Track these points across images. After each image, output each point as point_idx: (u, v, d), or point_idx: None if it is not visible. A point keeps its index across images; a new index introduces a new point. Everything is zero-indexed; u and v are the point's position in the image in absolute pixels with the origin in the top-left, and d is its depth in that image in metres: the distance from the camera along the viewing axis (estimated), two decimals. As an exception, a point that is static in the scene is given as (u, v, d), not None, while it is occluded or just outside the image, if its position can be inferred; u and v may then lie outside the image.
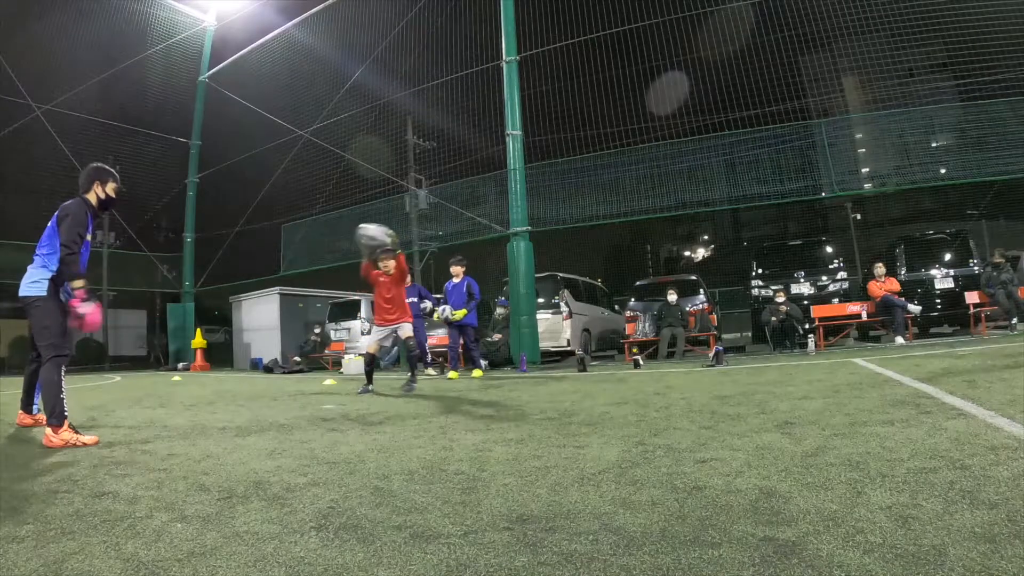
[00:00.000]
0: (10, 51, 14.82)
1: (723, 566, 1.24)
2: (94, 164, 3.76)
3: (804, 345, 8.79)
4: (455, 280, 8.37)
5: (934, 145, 10.62)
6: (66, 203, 3.56)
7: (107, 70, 15.90)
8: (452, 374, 7.91)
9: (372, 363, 6.30)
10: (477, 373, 8.10)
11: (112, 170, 3.81)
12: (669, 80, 11.63)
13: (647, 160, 10.99)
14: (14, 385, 9.40)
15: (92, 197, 3.63)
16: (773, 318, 9.57)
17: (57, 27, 15.80)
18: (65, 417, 3.24)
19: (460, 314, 8.05)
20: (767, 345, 9.85)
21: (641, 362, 8.07)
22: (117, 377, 12.53)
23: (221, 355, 18.01)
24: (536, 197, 11.14)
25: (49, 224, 3.55)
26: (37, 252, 3.49)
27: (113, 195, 3.73)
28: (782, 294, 9.74)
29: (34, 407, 3.93)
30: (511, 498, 1.84)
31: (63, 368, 3.35)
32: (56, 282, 3.42)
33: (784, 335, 9.54)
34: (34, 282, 3.39)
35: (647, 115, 11.54)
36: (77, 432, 3.28)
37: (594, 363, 10.10)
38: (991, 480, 1.70)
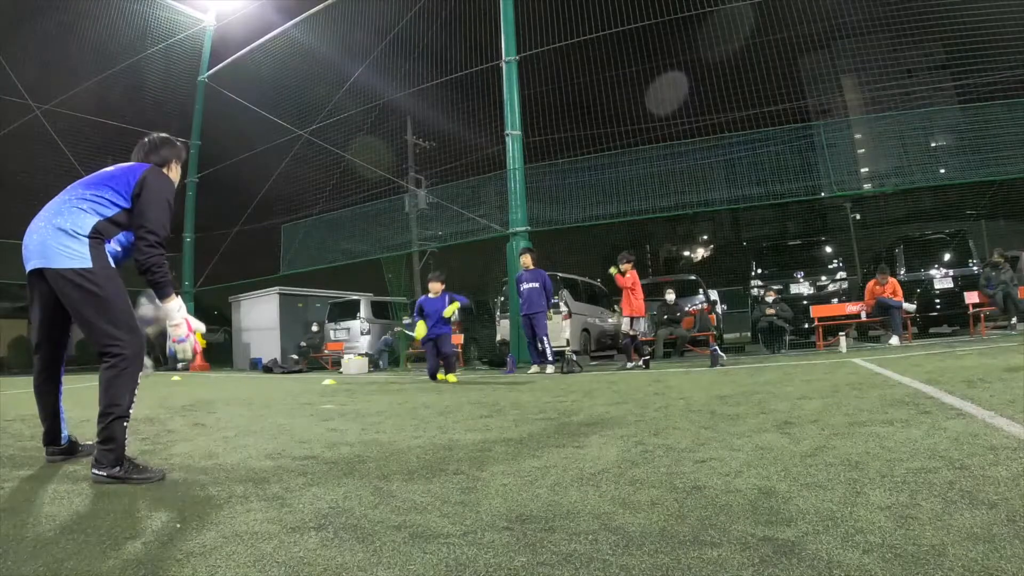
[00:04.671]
0: (10, 51, 14.82)
1: (722, 566, 1.24)
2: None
3: (793, 346, 8.85)
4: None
5: (933, 145, 10.64)
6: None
7: (107, 70, 15.91)
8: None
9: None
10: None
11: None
12: (669, 80, 11.64)
13: (647, 160, 11.00)
14: (14, 385, 9.39)
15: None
16: (762, 319, 9.61)
17: (57, 27, 15.80)
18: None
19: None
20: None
21: (641, 362, 8.05)
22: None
23: (221, 355, 18.01)
24: (536, 197, 11.15)
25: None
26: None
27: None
28: (771, 294, 9.76)
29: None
30: (511, 498, 1.84)
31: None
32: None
33: (772, 336, 9.57)
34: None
35: (647, 115, 11.55)
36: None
37: (593, 363, 10.10)
38: (990, 480, 1.70)
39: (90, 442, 2.77)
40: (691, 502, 1.70)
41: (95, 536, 1.62)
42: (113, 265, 2.41)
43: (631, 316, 8.27)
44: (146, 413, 4.81)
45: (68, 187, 2.44)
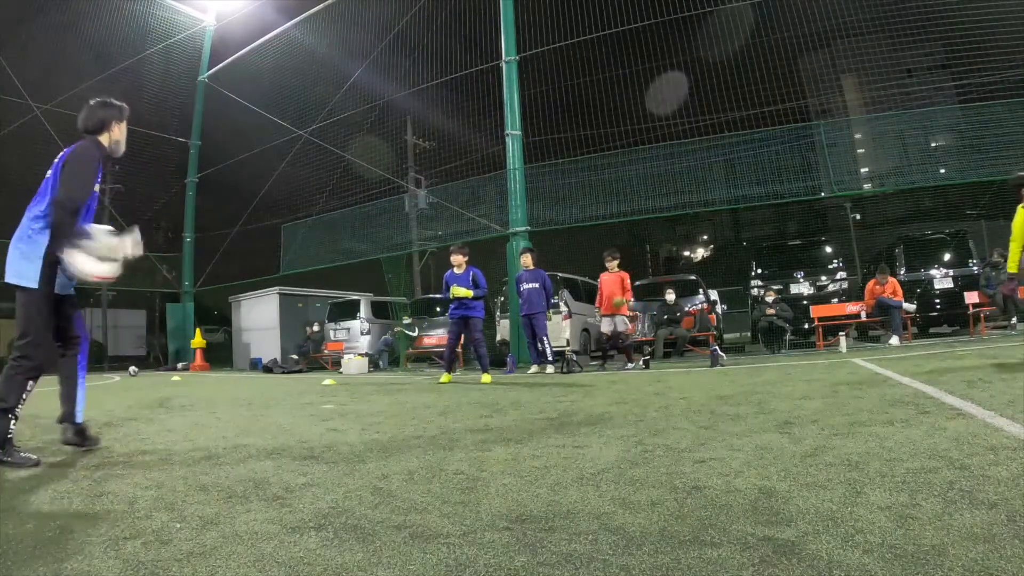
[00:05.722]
0: (10, 51, 14.81)
1: (723, 566, 1.24)
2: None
3: (793, 346, 8.85)
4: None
5: (933, 145, 10.64)
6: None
7: (107, 70, 15.90)
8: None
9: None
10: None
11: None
12: (669, 80, 11.64)
13: (647, 160, 11.00)
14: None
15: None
16: (762, 319, 9.61)
17: (57, 27, 15.79)
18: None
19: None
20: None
21: (641, 362, 8.06)
22: (116, 377, 12.53)
23: (221, 355, 18.01)
24: (536, 197, 11.14)
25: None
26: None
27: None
28: (771, 294, 9.76)
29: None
30: (511, 498, 1.84)
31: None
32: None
33: (772, 336, 9.56)
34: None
35: (647, 115, 11.55)
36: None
37: (593, 363, 10.10)
38: (990, 480, 1.70)
39: (99, 440, 3.18)
40: (691, 502, 1.70)
41: (95, 536, 1.62)
42: (70, 284, 2.82)
43: (623, 315, 8.29)
44: (146, 413, 4.82)
45: (31, 202, 2.76)
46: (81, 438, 2.98)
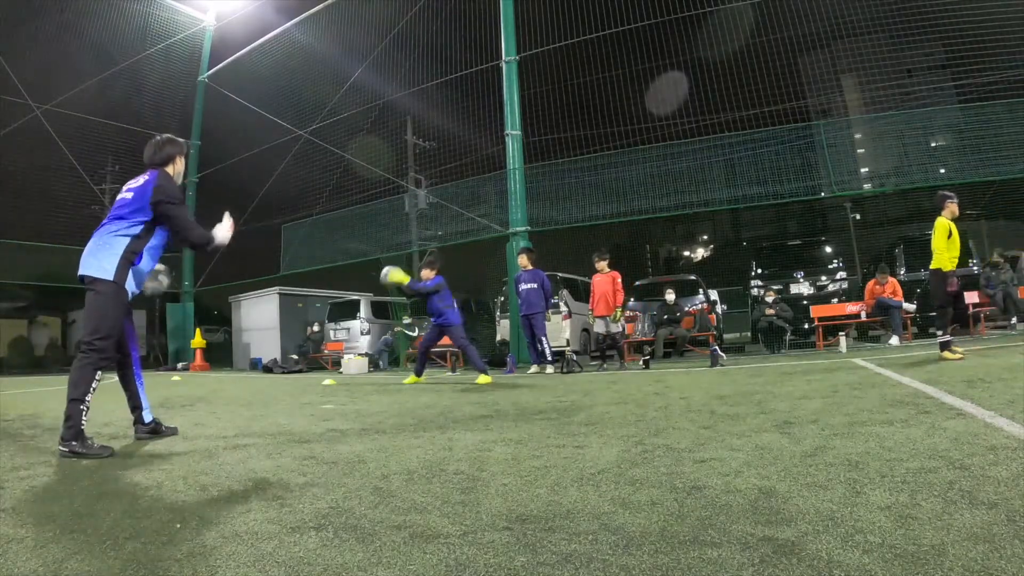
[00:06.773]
0: (10, 51, 14.81)
1: (722, 566, 1.24)
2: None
3: (793, 346, 8.86)
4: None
5: (933, 145, 10.64)
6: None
7: (107, 70, 15.90)
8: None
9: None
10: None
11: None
12: (669, 80, 11.64)
13: (647, 160, 11.00)
14: (14, 385, 9.40)
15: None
16: (762, 319, 9.61)
17: (57, 27, 15.79)
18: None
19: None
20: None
21: (641, 362, 8.06)
22: (116, 377, 12.51)
23: (220, 355, 18.00)
24: (536, 197, 11.15)
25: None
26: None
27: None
28: (771, 294, 9.76)
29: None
30: (510, 498, 1.84)
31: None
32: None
33: (772, 336, 9.56)
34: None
35: (647, 115, 11.55)
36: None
37: (592, 363, 10.09)
38: (990, 480, 1.70)
39: (174, 426, 3.55)
40: (691, 502, 1.70)
41: (95, 536, 1.62)
42: (135, 288, 3.07)
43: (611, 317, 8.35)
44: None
45: (107, 216, 3.07)
46: (154, 434, 3.35)
